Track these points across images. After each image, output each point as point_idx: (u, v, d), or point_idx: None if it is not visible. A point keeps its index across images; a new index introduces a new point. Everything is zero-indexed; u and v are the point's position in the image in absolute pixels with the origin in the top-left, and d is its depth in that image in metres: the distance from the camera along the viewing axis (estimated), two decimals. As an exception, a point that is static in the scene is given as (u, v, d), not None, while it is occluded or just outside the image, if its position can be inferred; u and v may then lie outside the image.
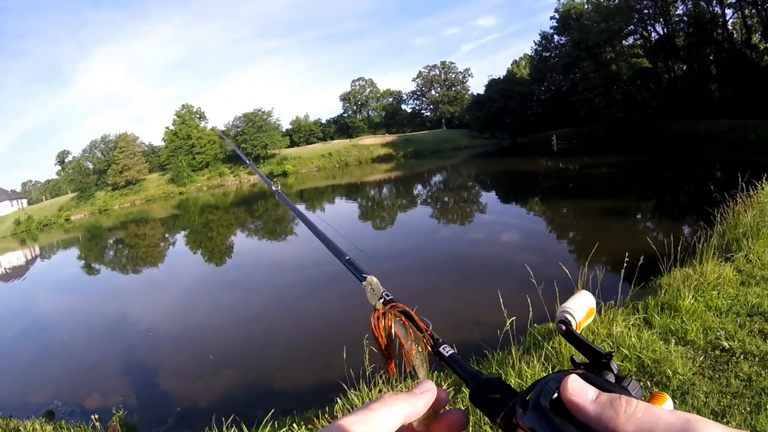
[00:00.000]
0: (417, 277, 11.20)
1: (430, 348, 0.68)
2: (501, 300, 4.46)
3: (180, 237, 29.02)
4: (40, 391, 8.29)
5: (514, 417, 0.50)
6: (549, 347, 4.38)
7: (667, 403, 0.57)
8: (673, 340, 4.40)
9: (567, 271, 4.64)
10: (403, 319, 0.70)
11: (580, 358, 0.62)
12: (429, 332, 0.69)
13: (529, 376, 3.93)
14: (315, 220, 1.30)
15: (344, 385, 4.25)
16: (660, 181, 21.48)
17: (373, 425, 0.48)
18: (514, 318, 4.33)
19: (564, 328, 0.67)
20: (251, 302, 11.77)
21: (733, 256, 6.35)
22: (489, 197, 26.04)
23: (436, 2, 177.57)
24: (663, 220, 13.90)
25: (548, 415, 0.46)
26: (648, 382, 3.83)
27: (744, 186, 7.89)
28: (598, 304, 4.82)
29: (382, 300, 0.78)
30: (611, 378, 0.55)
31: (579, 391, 0.44)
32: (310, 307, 10.43)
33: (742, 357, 4.00)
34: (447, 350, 0.67)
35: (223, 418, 4.21)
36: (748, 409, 3.33)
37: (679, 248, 6.03)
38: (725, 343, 4.24)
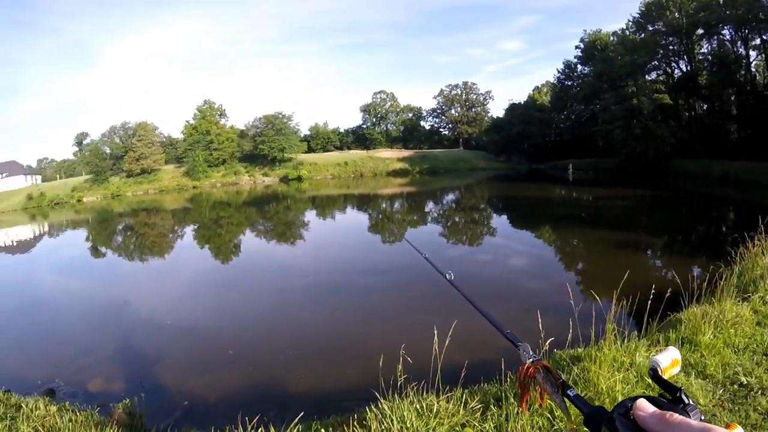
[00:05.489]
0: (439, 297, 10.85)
1: (560, 392, 1.03)
2: (540, 322, 4.32)
3: (189, 230, 29.13)
4: (40, 367, 7.95)
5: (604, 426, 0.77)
6: (576, 370, 4.41)
7: (737, 430, 0.76)
8: (693, 373, 4.56)
9: (598, 299, 4.73)
10: (542, 369, 1.16)
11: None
12: (561, 381, 1.04)
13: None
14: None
15: (376, 393, 4.13)
16: (674, 217, 21.54)
17: None
18: (552, 338, 4.31)
19: (652, 373, 1.03)
20: (270, 301, 11.45)
21: (749, 296, 6.45)
22: (500, 221, 25.77)
23: (464, 21, 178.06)
24: (677, 256, 13.95)
25: (622, 420, 0.73)
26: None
27: (763, 228, 7.99)
28: (621, 333, 4.91)
29: (531, 359, 1.22)
30: (681, 405, 0.84)
31: (644, 407, 0.70)
32: (332, 312, 10.14)
33: (759, 392, 4.15)
34: (572, 392, 0.99)
35: (247, 418, 4.00)
36: (767, 440, 3.49)
37: (704, 285, 6.16)
38: (743, 379, 4.39)
